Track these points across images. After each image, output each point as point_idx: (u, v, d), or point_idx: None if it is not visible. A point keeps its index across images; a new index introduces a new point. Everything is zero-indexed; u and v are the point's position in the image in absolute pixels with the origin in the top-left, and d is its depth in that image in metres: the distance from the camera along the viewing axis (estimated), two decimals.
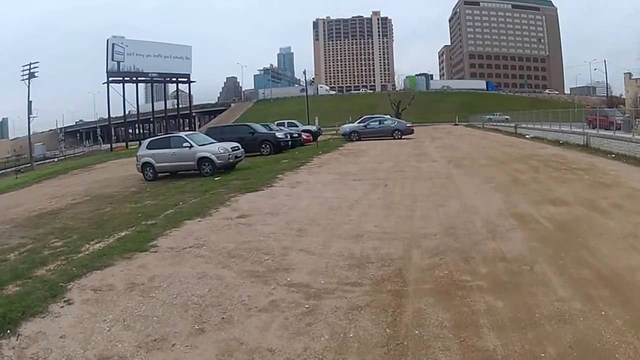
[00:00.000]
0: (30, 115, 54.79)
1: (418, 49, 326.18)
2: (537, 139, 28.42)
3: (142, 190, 15.52)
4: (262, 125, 29.93)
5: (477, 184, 12.21)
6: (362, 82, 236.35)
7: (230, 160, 17.75)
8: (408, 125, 31.97)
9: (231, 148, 18.03)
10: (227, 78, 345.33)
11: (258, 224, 8.91)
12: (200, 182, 15.66)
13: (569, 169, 14.59)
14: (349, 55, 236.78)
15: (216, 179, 15.89)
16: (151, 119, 76.38)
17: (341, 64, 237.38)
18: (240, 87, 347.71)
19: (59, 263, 7.08)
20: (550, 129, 27.63)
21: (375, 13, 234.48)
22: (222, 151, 17.47)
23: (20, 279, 6.43)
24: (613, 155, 18.12)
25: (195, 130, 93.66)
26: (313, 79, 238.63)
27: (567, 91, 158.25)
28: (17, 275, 6.59)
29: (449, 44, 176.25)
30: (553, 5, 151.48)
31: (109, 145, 55.41)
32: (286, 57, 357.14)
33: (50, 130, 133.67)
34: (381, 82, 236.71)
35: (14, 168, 44.11)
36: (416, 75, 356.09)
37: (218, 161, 17.22)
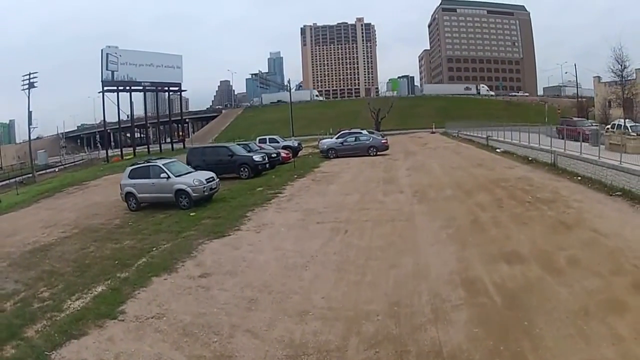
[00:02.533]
0: (31, 126, 54.38)
1: (400, 52, 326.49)
2: (507, 154, 27.90)
3: (124, 224, 15.80)
4: (243, 144, 29.29)
5: (436, 229, 11.62)
6: (347, 86, 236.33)
7: (206, 193, 17.34)
8: (383, 141, 31.30)
9: (206, 180, 17.54)
10: (220, 82, 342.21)
11: (215, 288, 8.84)
12: (177, 217, 15.66)
13: (533, 202, 14.07)
14: (334, 60, 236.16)
15: (192, 214, 15.80)
16: (147, 125, 77.29)
17: (328, 68, 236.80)
18: (233, 90, 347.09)
19: (44, 323, 7.80)
20: (520, 143, 27.06)
21: (359, 19, 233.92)
22: (197, 183, 17.07)
23: (14, 339, 7.26)
24: (579, 178, 17.66)
25: (188, 136, 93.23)
26: (300, 85, 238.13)
27: (540, 91, 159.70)
28: (12, 334, 7.43)
29: (429, 48, 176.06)
30: (526, 10, 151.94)
31: (107, 153, 54.26)
32: (276, 62, 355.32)
33: (52, 135, 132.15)
34: (365, 85, 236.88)
35: (17, 178, 43.88)
36: (398, 77, 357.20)
37: (194, 194, 16.91)
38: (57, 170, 54.47)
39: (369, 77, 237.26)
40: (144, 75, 55.67)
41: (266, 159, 25.71)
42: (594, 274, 7.91)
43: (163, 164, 17.78)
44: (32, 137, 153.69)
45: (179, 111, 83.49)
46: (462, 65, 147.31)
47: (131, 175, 18.15)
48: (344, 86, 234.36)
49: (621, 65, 37.30)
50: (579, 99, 75.73)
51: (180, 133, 70.68)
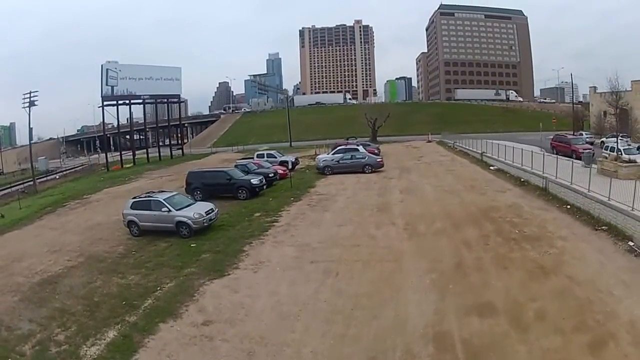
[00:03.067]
0: (32, 142, 54.18)
1: (398, 53, 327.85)
2: (501, 173, 28.54)
3: (128, 252, 16.75)
4: (241, 164, 29.78)
5: (421, 272, 12.49)
6: (345, 87, 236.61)
7: (205, 224, 18.28)
8: (378, 160, 31.95)
9: (206, 212, 18.50)
10: (219, 83, 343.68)
11: (218, 339, 9.73)
12: (178, 248, 16.53)
13: (519, 239, 14.74)
14: (332, 62, 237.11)
15: (192, 245, 16.70)
16: (146, 129, 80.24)
17: (325, 70, 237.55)
18: (232, 91, 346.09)
19: None
20: (513, 164, 27.75)
21: (357, 22, 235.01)
22: (197, 216, 18.05)
23: None
24: (568, 207, 18.24)
25: (186, 141, 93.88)
26: (298, 87, 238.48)
27: (537, 92, 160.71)
28: None
29: (426, 51, 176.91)
30: (523, 14, 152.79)
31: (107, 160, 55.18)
32: (274, 63, 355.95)
33: (52, 139, 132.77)
34: (363, 87, 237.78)
35: (19, 187, 44.63)
36: (396, 79, 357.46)
37: (194, 226, 17.91)
38: (57, 177, 54.91)
39: (366, 79, 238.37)
40: (144, 88, 56.40)
41: (263, 180, 26.43)
42: (556, 331, 8.69)
43: (164, 199, 18.67)
44: (32, 141, 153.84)
45: (178, 116, 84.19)
46: (460, 69, 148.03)
47: (133, 207, 19.07)
48: (341, 88, 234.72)
49: (617, 84, 37.92)
50: (575, 104, 76.08)
51: (181, 141, 71.00)
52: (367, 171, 31.03)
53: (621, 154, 25.65)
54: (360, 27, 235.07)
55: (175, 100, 61.77)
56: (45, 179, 54.60)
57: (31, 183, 46.92)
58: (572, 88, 65.28)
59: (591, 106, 62.63)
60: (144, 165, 54.79)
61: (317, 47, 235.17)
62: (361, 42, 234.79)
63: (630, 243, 13.44)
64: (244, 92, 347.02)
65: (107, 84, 52.47)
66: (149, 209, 18.57)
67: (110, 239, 18.72)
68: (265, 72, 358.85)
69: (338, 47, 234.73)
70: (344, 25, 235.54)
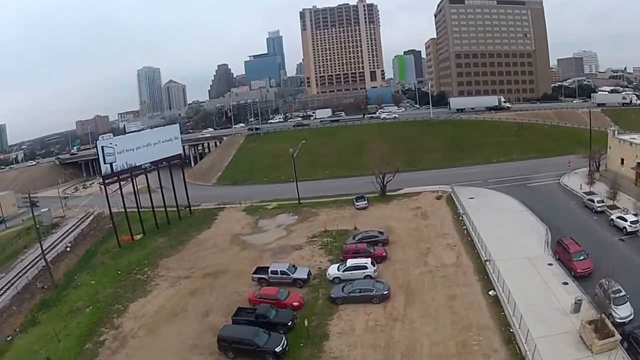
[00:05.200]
0: (30, 164, 57.18)
1: (405, 22, 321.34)
2: (499, 305, 31.69)
3: None
4: (260, 314, 32.58)
5: None
6: (351, 70, 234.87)
7: None
8: (385, 292, 34.34)
9: None
10: (218, 66, 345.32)
11: None
12: None
13: None
14: (337, 44, 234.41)
15: None
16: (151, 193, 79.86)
17: (330, 53, 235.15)
18: (232, 73, 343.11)
19: None
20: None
21: (361, 0, 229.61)
22: None
23: None
24: None
25: (191, 165, 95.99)
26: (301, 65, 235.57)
27: (554, 62, 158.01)
28: None
29: (435, 36, 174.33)
30: None
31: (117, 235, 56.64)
32: (275, 42, 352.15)
33: (49, 161, 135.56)
34: (370, 68, 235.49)
35: (30, 268, 47.78)
36: (404, 53, 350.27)
37: None
38: (68, 247, 57.28)
39: (373, 59, 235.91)
40: (144, 156, 57.76)
41: (285, 343, 29.56)
42: None
43: None
44: (31, 163, 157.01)
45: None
46: (471, 61, 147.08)
47: None
48: (347, 70, 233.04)
49: None
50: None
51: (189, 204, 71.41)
52: (375, 302, 33.83)
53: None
54: (364, 6, 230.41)
55: (177, 160, 63.29)
56: (54, 248, 57.06)
57: (43, 260, 48.54)
58: (590, 128, 64.71)
59: (608, 148, 62.29)
60: (154, 235, 57.60)
61: (320, 30, 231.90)
62: (366, 22, 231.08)
63: None
64: (244, 73, 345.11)
65: (105, 162, 53.26)
66: None
67: None
68: (266, 51, 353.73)
69: (342, 29, 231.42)
70: (347, 4, 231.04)
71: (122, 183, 55.99)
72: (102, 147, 54.19)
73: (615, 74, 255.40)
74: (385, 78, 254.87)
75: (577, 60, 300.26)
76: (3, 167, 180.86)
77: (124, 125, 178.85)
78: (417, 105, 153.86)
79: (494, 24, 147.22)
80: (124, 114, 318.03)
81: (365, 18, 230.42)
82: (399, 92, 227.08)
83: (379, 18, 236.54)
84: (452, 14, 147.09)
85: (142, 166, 58.35)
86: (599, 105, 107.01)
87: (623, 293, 29.13)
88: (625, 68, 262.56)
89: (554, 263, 36.85)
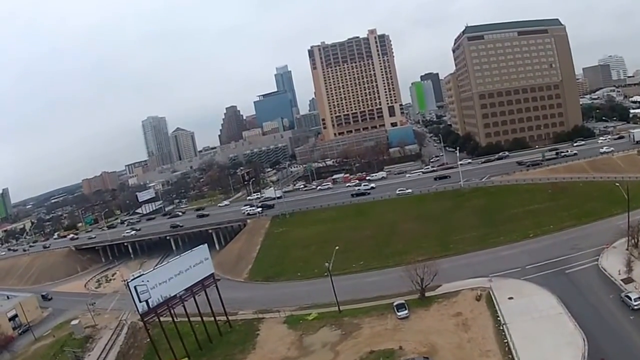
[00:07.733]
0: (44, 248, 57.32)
1: (419, 40, 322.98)
2: None
3: None
4: None
5: None
6: (368, 107, 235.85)
7: None
8: None
9: None
10: (226, 108, 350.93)
11: None
12: None
13: None
14: (350, 80, 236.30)
15: None
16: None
17: (344, 91, 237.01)
18: (241, 114, 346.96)
19: None
20: None
21: (372, 32, 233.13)
22: None
23: None
24: None
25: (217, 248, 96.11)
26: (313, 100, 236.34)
27: (579, 70, 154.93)
28: None
29: (454, 71, 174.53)
30: (561, 24, 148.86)
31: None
32: (284, 77, 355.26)
33: (66, 247, 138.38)
34: (387, 103, 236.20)
35: None
36: (421, 77, 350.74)
37: None
38: None
39: (390, 93, 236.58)
40: (178, 285, 59.29)
41: None
42: None
43: None
44: (40, 245, 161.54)
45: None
46: (496, 100, 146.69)
47: None
48: (364, 108, 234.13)
49: None
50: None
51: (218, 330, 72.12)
52: None
53: None
54: (375, 38, 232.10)
55: (211, 282, 63.76)
56: None
57: None
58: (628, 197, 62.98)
59: None
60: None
61: (331, 67, 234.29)
62: (379, 54, 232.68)
63: None
64: (254, 113, 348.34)
65: (140, 301, 54.69)
66: None
67: None
68: (275, 88, 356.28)
69: (354, 64, 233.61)
70: (357, 37, 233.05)
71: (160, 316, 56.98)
72: (135, 286, 55.08)
73: None
74: (404, 107, 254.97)
75: (603, 67, 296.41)
76: (14, 246, 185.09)
77: (137, 195, 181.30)
78: (442, 144, 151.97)
79: (516, 57, 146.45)
80: (131, 166, 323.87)
81: (377, 50, 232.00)
82: (419, 123, 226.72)
83: (392, 48, 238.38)
84: (472, 51, 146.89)
85: (177, 295, 59.01)
86: (637, 142, 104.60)
87: None
88: None
89: None
